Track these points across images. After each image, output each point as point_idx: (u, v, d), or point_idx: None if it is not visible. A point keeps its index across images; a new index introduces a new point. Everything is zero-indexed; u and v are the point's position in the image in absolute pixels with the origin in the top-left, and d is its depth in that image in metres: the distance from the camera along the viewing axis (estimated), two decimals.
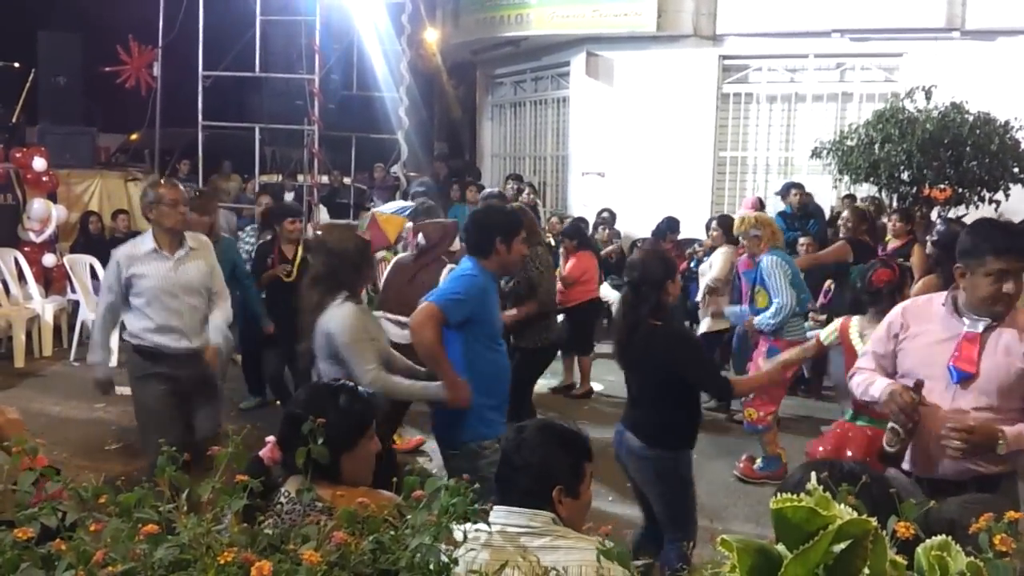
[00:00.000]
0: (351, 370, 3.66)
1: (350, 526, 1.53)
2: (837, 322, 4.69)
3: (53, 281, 9.25)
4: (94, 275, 8.78)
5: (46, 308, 8.61)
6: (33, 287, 8.76)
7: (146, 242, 4.55)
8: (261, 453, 2.28)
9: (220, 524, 1.54)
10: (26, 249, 9.02)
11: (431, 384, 3.77)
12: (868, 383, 3.13)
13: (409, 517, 1.58)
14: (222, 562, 1.36)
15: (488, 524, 2.04)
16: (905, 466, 3.12)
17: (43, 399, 7.21)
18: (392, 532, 1.54)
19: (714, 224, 8.29)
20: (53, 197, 9.49)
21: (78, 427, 6.51)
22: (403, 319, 5.12)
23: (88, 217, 9.78)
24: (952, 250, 6.27)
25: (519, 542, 2.13)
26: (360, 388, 2.55)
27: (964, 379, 2.95)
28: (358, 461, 2.41)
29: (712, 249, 8.09)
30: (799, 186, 10.17)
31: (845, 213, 7.55)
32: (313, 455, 1.89)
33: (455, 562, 1.54)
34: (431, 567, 1.49)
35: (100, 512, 1.50)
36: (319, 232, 4.02)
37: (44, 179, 9.33)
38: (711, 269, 7.75)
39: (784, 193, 10.22)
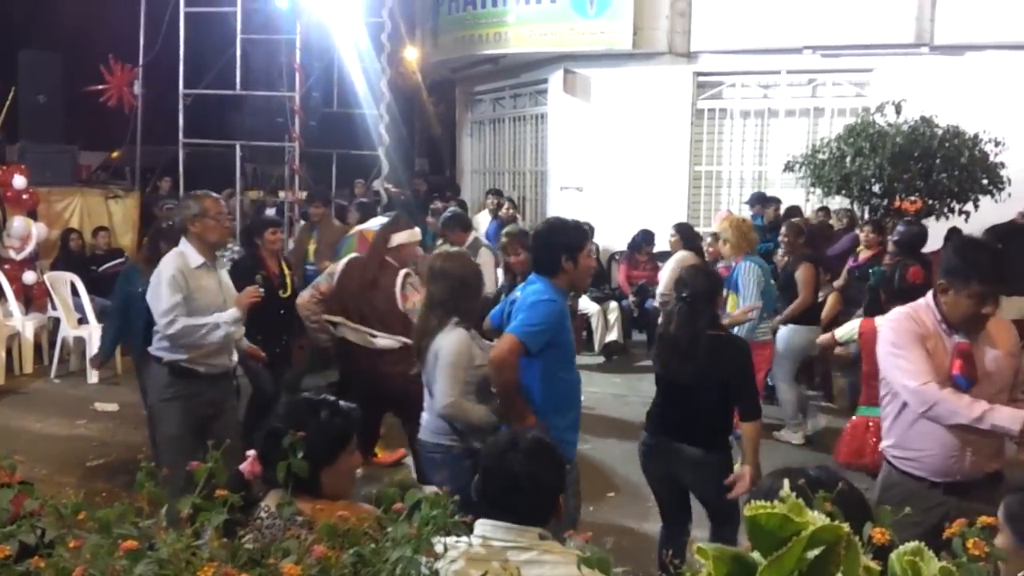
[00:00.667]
0: (435, 388, 3.70)
1: (330, 539, 1.54)
2: (856, 322, 4.85)
3: (34, 298, 9.23)
4: (75, 292, 8.78)
5: (27, 325, 8.60)
6: (13, 304, 8.74)
7: (193, 257, 4.41)
8: (241, 467, 2.28)
9: (200, 539, 1.55)
10: (6, 267, 9.01)
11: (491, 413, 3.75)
12: (970, 406, 3.06)
13: (389, 530, 1.59)
14: None
15: (469, 536, 2.08)
16: (917, 472, 3.28)
17: (24, 416, 7.20)
18: (372, 545, 1.55)
19: (672, 231, 8.45)
20: (33, 215, 9.48)
21: (59, 444, 6.51)
22: (379, 333, 5.18)
23: (69, 234, 9.79)
24: (912, 248, 6.48)
25: (503, 556, 2.15)
26: (341, 402, 2.50)
27: (971, 386, 3.16)
28: (339, 475, 2.39)
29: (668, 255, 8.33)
30: (776, 200, 10.35)
31: (784, 229, 7.68)
32: (293, 469, 1.88)
33: (436, 574, 1.57)
34: None
35: (80, 528, 1.50)
36: (437, 258, 3.98)
37: (24, 197, 9.33)
38: (665, 275, 7.92)
39: (752, 202, 10.44)
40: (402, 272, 5.25)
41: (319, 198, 9.32)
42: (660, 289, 7.92)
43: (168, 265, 4.37)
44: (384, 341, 5.23)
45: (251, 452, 2.33)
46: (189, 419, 4.43)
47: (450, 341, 3.75)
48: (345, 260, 5.48)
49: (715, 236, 7.45)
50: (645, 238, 10.35)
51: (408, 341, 5.15)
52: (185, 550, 1.44)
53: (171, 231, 5.46)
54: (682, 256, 7.88)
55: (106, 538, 1.46)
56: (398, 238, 5.43)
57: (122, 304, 5.92)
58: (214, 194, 4.62)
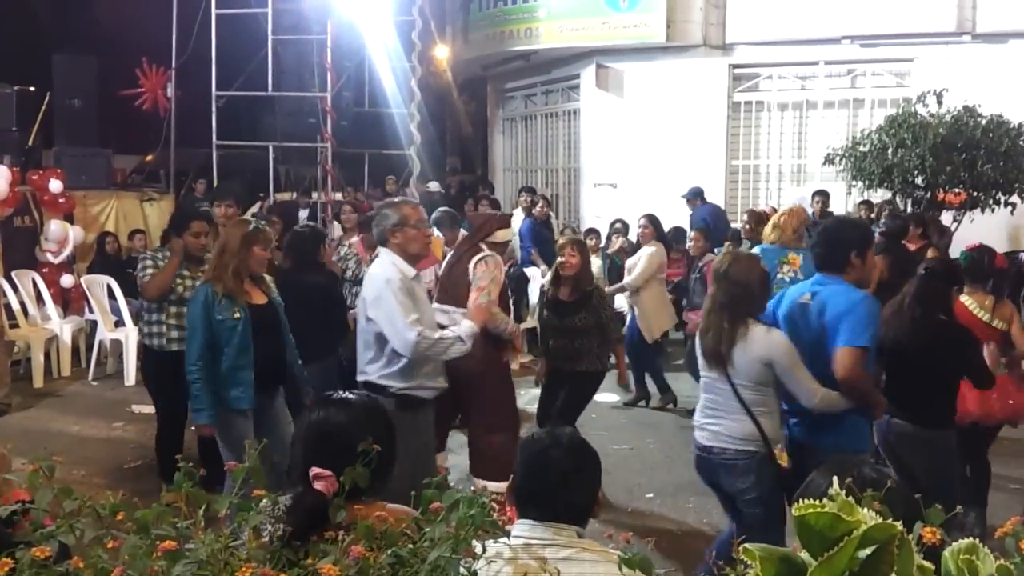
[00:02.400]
0: (795, 391, 3.67)
1: (368, 540, 1.52)
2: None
3: (71, 301, 9.30)
4: (111, 295, 8.82)
5: (64, 328, 8.66)
6: (51, 308, 8.81)
7: (405, 267, 4.00)
8: (318, 487, 2.02)
9: (238, 540, 1.52)
10: (44, 270, 9.08)
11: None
12: None
13: (427, 530, 1.56)
14: None
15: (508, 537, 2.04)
16: None
17: (62, 419, 7.23)
18: (410, 545, 1.52)
19: (643, 221, 8.26)
20: (70, 218, 9.55)
21: (97, 446, 6.52)
22: (451, 309, 5.10)
23: (105, 237, 9.85)
24: (896, 239, 7.24)
25: (542, 555, 2.10)
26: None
27: None
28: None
29: (639, 246, 8.18)
30: (823, 193, 10.18)
31: (745, 216, 7.83)
32: (356, 478, 1.83)
33: (474, 575, 1.52)
34: None
35: (118, 530, 1.49)
36: (723, 260, 3.96)
37: (60, 201, 9.40)
38: (636, 267, 7.79)
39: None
40: (482, 253, 5.24)
41: (351, 202, 9.22)
42: (629, 281, 7.78)
43: (390, 271, 3.92)
44: (456, 317, 5.23)
45: (318, 469, 2.06)
46: (415, 451, 3.95)
47: (776, 346, 3.67)
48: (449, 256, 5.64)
49: (757, 219, 7.30)
50: (676, 235, 10.21)
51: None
52: (223, 551, 1.43)
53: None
54: (654, 248, 7.77)
55: (144, 539, 1.46)
56: (502, 235, 5.53)
57: (207, 339, 4.39)
58: (412, 200, 4.34)
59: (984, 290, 4.86)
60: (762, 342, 3.64)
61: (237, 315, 4.37)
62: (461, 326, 4.13)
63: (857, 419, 3.72)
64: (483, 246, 5.34)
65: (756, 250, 5.45)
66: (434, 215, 7.44)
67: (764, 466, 3.66)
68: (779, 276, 6.09)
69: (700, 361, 3.84)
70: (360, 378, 4.08)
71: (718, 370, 3.72)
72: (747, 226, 7.85)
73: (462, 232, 6.79)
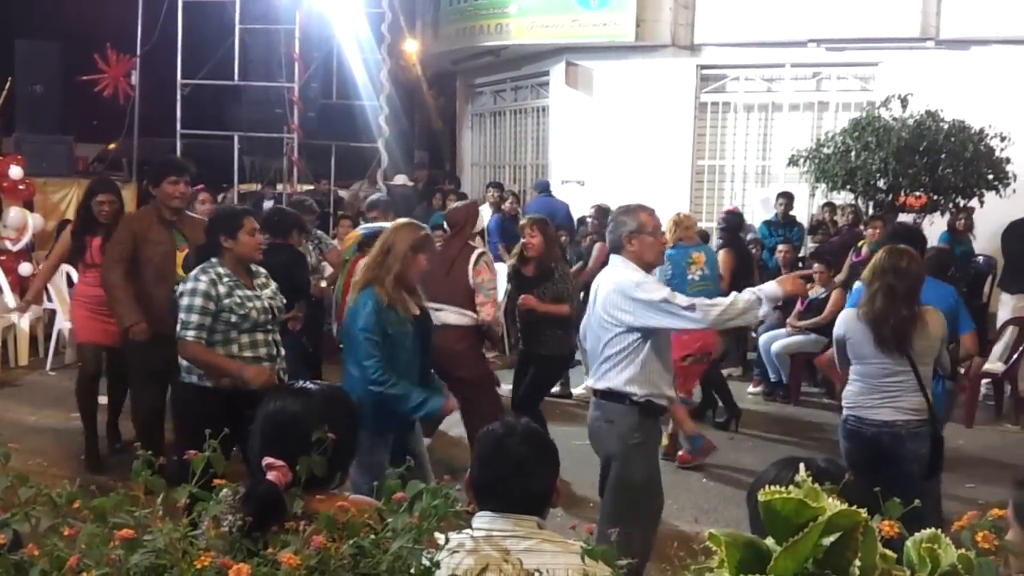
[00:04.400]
0: (943, 361, 4.24)
1: (330, 531, 1.51)
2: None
3: (29, 290, 9.13)
4: (70, 284, 8.68)
5: (22, 317, 8.50)
6: (9, 296, 8.64)
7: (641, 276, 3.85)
8: (270, 476, 1.98)
9: (197, 529, 1.52)
10: (2, 258, 8.90)
11: None
12: None
13: (390, 521, 1.56)
14: (199, 567, 1.34)
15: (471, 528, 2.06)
16: None
17: (18, 408, 7.12)
18: (372, 536, 1.52)
19: (592, 212, 8.53)
20: (30, 206, 9.38)
21: (54, 436, 6.43)
22: (446, 307, 5.32)
23: (65, 226, 9.67)
24: (733, 232, 8.27)
25: (503, 545, 2.11)
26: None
27: None
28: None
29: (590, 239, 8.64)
30: (787, 195, 10.30)
31: (590, 210, 8.64)
32: (312, 467, 1.83)
33: (437, 565, 1.52)
34: (412, 571, 1.48)
35: (74, 519, 1.47)
36: (888, 255, 4.14)
37: (20, 187, 9.23)
38: (590, 262, 7.94)
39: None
40: (477, 251, 5.47)
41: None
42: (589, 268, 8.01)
43: (633, 275, 3.82)
44: (450, 315, 5.33)
45: (271, 460, 2.03)
46: (653, 459, 4.07)
47: (944, 322, 4.23)
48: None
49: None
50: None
51: (475, 317, 5.37)
52: (182, 539, 1.41)
53: None
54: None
55: (101, 527, 1.44)
56: (478, 223, 5.79)
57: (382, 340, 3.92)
58: (648, 206, 4.01)
59: None
60: (938, 323, 4.15)
61: (407, 328, 3.93)
62: (764, 288, 3.81)
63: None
64: (472, 242, 5.60)
65: (668, 252, 5.59)
66: (370, 199, 7.51)
67: (932, 430, 4.17)
68: (689, 277, 6.24)
69: (867, 349, 4.12)
70: (599, 385, 3.95)
71: (897, 354, 4.07)
72: (595, 221, 8.64)
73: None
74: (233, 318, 4.03)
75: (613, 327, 3.84)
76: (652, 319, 3.75)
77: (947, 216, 9.60)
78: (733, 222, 8.45)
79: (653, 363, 3.84)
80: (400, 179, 12.47)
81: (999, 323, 8.22)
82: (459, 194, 12.05)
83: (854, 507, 1.10)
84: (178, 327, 4.00)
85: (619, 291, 3.80)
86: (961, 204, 9.59)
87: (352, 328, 3.90)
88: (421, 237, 4.04)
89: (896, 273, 4.04)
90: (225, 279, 4.05)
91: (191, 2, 10.74)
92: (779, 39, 11.56)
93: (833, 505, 1.09)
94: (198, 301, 3.96)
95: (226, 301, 4.01)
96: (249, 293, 4.12)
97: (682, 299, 3.76)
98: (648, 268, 3.92)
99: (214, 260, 4.11)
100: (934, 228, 9.54)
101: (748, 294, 3.76)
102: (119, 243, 5.20)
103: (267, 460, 1.99)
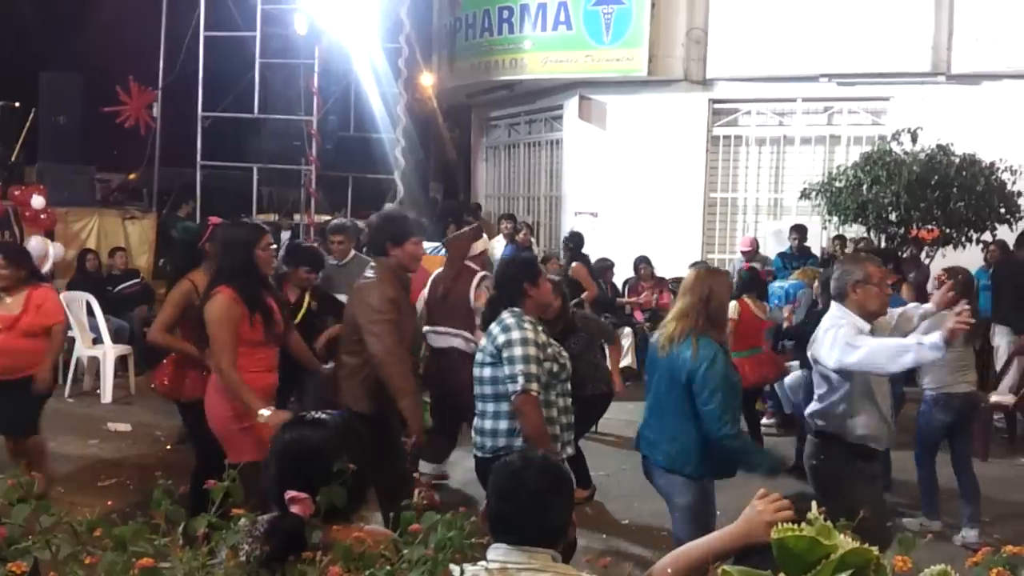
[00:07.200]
0: None
1: (346, 561, 1.52)
2: None
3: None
4: (90, 312, 8.79)
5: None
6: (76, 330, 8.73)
7: (861, 324, 3.86)
8: (294, 510, 1.97)
9: (215, 558, 1.53)
10: None
11: None
12: None
13: (405, 552, 1.56)
14: None
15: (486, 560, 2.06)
16: None
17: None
18: (388, 567, 1.53)
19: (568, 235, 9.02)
20: (51, 235, 9.53)
21: (71, 463, 6.48)
22: (449, 329, 5.49)
23: (85, 255, 9.83)
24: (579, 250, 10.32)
25: None
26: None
27: None
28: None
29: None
30: (800, 228, 10.36)
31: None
32: (333, 499, 1.82)
33: None
34: None
35: (95, 546, 1.48)
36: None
37: (42, 216, 9.39)
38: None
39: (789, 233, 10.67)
40: (480, 274, 5.61)
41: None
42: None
43: (851, 320, 3.86)
44: (456, 340, 5.44)
45: (294, 493, 2.02)
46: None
47: None
48: (431, 278, 5.84)
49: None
50: (637, 262, 10.58)
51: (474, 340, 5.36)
52: (200, 569, 1.43)
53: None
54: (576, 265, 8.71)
55: (121, 555, 1.45)
56: (478, 245, 5.85)
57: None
58: (877, 258, 4.09)
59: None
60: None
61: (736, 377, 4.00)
62: (930, 336, 3.72)
63: None
64: (471, 264, 5.68)
65: None
66: (333, 223, 7.45)
67: None
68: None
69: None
70: (818, 425, 3.99)
71: None
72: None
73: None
74: (555, 368, 3.98)
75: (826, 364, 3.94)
76: (868, 364, 3.79)
77: (958, 249, 9.60)
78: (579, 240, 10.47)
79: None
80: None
81: (997, 354, 8.25)
82: (467, 222, 12.15)
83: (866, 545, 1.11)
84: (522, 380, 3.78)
85: (828, 338, 3.84)
86: (986, 237, 9.61)
87: (694, 377, 3.80)
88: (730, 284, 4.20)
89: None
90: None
91: (212, 37, 10.95)
92: (791, 73, 11.65)
93: (846, 542, 1.11)
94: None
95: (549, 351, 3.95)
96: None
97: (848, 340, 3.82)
98: (871, 317, 3.92)
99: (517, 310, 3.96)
100: (946, 261, 9.55)
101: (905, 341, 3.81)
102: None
103: (291, 493, 1.98)
